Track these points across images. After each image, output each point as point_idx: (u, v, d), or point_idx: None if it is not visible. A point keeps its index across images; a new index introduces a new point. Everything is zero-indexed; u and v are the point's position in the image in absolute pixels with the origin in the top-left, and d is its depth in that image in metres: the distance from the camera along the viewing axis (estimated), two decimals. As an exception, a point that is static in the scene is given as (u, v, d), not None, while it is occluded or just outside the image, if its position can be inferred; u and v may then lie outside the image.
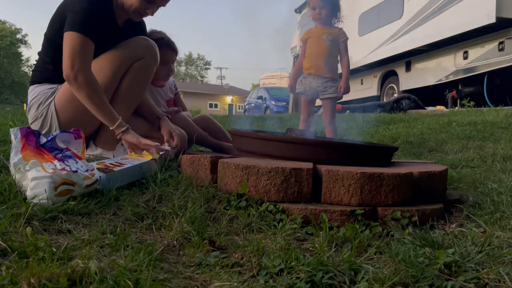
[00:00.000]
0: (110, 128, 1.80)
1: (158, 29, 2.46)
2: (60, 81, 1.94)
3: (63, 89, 1.91)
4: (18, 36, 41.55)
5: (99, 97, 1.78)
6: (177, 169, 1.71)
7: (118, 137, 1.83)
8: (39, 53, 2.01)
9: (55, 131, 1.92)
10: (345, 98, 10.59)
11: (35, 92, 1.95)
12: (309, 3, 2.94)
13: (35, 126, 1.97)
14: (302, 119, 2.97)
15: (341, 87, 2.82)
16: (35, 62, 2.07)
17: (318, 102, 3.05)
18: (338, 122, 3.09)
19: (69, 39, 1.78)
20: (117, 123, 1.79)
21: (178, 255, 1.01)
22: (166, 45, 2.36)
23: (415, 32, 8.15)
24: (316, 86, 2.87)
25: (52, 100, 1.91)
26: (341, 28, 2.89)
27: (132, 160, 1.59)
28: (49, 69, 1.94)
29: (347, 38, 2.87)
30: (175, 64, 2.54)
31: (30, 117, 1.98)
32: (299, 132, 1.99)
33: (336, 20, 2.89)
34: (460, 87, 7.85)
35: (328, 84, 2.85)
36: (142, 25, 2.18)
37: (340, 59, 2.91)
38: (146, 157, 1.63)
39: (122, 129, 1.80)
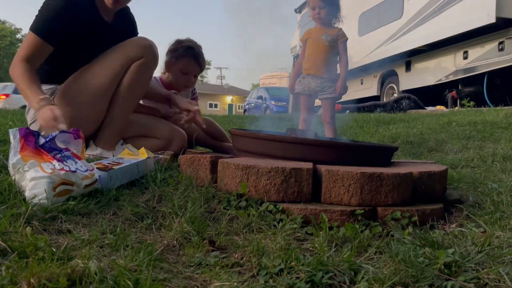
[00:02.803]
0: (35, 107, 1.70)
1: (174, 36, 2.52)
2: (58, 81, 1.94)
3: (63, 89, 1.91)
4: (18, 36, 41.52)
5: (23, 83, 1.75)
6: (177, 169, 1.71)
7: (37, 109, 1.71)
8: None
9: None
10: (345, 98, 10.61)
11: None
12: (309, 2, 2.94)
13: (34, 127, 1.97)
14: (302, 119, 2.97)
15: (338, 88, 2.82)
16: None
17: (318, 102, 3.05)
18: (338, 122, 3.09)
19: (26, 37, 1.82)
20: (38, 103, 1.68)
21: (178, 255, 1.01)
22: (191, 55, 2.38)
23: (415, 32, 8.15)
24: (314, 86, 2.87)
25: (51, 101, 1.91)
26: (341, 29, 2.89)
27: (128, 159, 1.59)
28: (44, 69, 1.92)
29: (347, 39, 2.87)
30: (197, 78, 2.56)
31: (29, 118, 1.98)
32: (299, 132, 1.99)
33: (336, 20, 2.90)
34: (460, 87, 7.86)
35: (326, 84, 2.85)
36: (131, 18, 2.17)
37: (339, 59, 2.91)
38: (142, 155, 1.64)
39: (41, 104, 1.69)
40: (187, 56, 2.37)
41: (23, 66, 1.78)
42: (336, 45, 2.85)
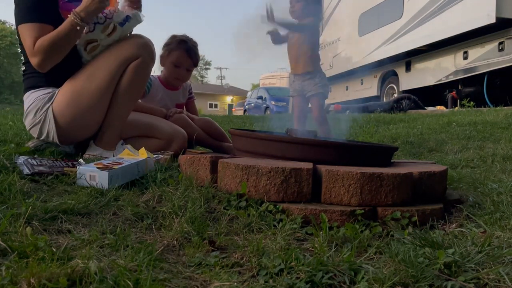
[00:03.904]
0: (77, 27, 1.78)
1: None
2: (55, 84, 1.93)
3: (61, 93, 1.90)
4: (18, 36, 41.45)
5: (53, 41, 1.79)
6: (177, 169, 1.71)
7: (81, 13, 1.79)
8: (24, 63, 2.00)
9: (53, 136, 1.92)
10: (345, 98, 10.62)
11: (31, 98, 1.93)
12: None
13: (33, 132, 1.96)
14: (295, 120, 2.95)
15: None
16: (23, 69, 2.05)
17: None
18: (340, 122, 3.08)
19: (23, 31, 1.83)
20: (75, 20, 1.78)
21: (178, 255, 1.01)
22: (184, 49, 2.41)
23: (415, 32, 8.16)
24: (301, 85, 2.81)
25: (50, 105, 1.90)
26: (312, 18, 2.77)
27: (128, 159, 1.60)
28: (42, 73, 1.92)
29: (312, 20, 2.74)
30: (192, 73, 2.57)
31: (28, 123, 1.96)
32: (298, 132, 1.99)
33: (316, 18, 2.80)
34: (460, 87, 7.86)
35: (307, 82, 2.78)
36: None
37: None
38: (142, 155, 1.64)
39: (76, 12, 1.78)
40: (180, 49, 2.41)
41: (37, 46, 1.80)
42: (308, 36, 2.73)
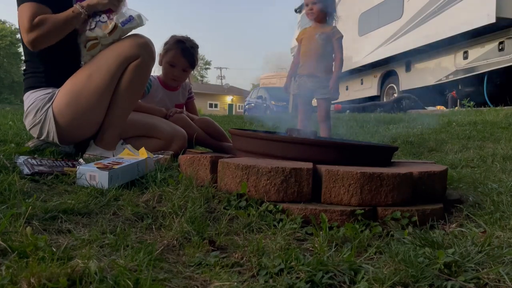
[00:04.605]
0: (77, 13, 1.86)
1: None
2: (55, 84, 1.93)
3: (61, 93, 1.90)
4: (18, 36, 41.29)
5: (52, 21, 1.83)
6: (177, 169, 1.71)
7: (82, 9, 1.87)
8: (25, 62, 2.01)
9: (53, 136, 1.92)
10: (345, 97, 10.63)
11: (31, 98, 1.93)
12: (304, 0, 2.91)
13: (33, 132, 1.96)
14: (300, 119, 2.95)
15: (330, 86, 2.77)
16: (23, 68, 2.06)
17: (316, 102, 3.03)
18: (340, 122, 3.08)
19: (21, 10, 1.83)
20: (76, 11, 1.86)
21: (178, 255, 1.01)
22: (180, 48, 2.41)
23: (415, 32, 8.16)
24: (310, 86, 2.83)
25: (50, 105, 1.90)
26: (335, 26, 2.83)
27: (128, 159, 1.60)
28: (40, 72, 1.92)
29: (341, 36, 2.80)
30: (190, 74, 2.57)
31: (28, 123, 1.96)
32: (299, 132, 1.99)
33: (331, 19, 2.85)
34: (460, 87, 7.87)
35: (321, 84, 2.80)
36: None
37: (334, 58, 2.86)
38: (142, 155, 1.64)
39: (81, 6, 1.87)
40: (175, 48, 2.42)
41: (37, 20, 1.81)
42: (330, 43, 2.79)
